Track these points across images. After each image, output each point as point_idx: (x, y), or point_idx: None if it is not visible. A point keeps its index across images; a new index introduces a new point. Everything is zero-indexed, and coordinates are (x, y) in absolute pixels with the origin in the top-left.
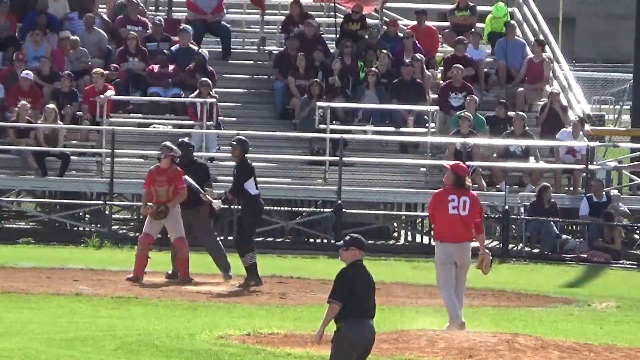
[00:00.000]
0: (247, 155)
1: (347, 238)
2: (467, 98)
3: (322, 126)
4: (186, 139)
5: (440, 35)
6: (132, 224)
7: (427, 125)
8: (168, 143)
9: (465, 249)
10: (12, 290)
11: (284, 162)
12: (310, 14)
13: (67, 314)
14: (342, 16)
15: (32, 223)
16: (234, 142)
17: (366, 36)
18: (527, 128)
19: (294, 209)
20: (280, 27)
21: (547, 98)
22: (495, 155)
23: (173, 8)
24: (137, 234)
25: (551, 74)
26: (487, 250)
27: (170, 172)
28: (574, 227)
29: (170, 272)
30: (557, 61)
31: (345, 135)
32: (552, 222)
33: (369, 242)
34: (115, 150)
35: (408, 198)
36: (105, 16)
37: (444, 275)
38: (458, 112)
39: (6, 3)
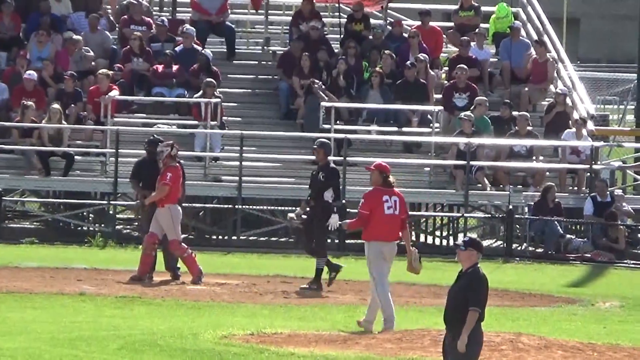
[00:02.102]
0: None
1: (466, 239)
2: (477, 100)
3: (327, 126)
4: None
5: (444, 36)
6: (136, 223)
7: (431, 125)
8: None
9: (394, 248)
10: (16, 290)
11: (288, 162)
12: (319, 12)
13: (70, 313)
14: (346, 17)
15: (36, 223)
16: (316, 146)
17: (370, 37)
18: (531, 128)
19: (297, 208)
20: (284, 27)
21: (553, 98)
22: (499, 155)
23: (177, 8)
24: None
25: (555, 74)
26: (413, 248)
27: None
28: (578, 226)
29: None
30: (562, 61)
31: (349, 135)
32: (556, 222)
33: None
34: (119, 150)
35: (412, 198)
36: (110, 16)
37: (381, 272)
38: (463, 113)
39: (10, 4)
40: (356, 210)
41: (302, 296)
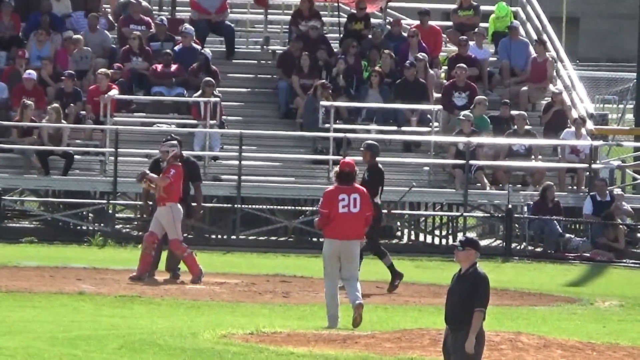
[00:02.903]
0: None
1: (462, 238)
2: (477, 99)
3: (326, 125)
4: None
5: (444, 35)
6: (136, 223)
7: (430, 124)
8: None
9: (353, 246)
10: (16, 289)
11: (288, 162)
12: (318, 12)
13: (70, 312)
14: (346, 16)
15: (35, 222)
16: (363, 148)
17: (370, 36)
18: (529, 127)
19: (297, 208)
20: (283, 26)
21: (551, 97)
22: (499, 155)
23: (177, 8)
24: (140, 233)
25: (555, 74)
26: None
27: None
28: (577, 226)
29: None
30: (561, 60)
31: (348, 135)
32: (555, 221)
33: None
34: (118, 150)
35: (411, 197)
36: (109, 16)
37: (329, 270)
38: (462, 113)
39: (9, 3)
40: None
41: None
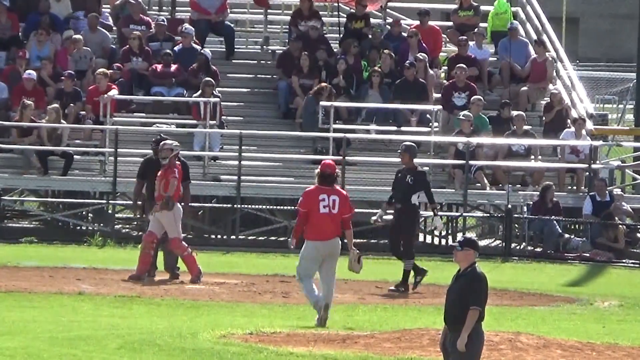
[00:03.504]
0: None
1: (461, 239)
2: (472, 99)
3: (326, 125)
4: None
5: (444, 35)
6: (135, 223)
7: (430, 124)
8: (169, 141)
9: (334, 245)
10: (15, 289)
11: (287, 162)
12: (318, 12)
13: (69, 312)
14: (345, 16)
15: (35, 222)
16: (402, 150)
17: (370, 36)
18: (529, 127)
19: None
20: (283, 26)
21: (549, 98)
22: (498, 155)
23: (176, 8)
24: (140, 233)
25: (554, 74)
26: (354, 248)
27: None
28: (577, 226)
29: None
30: (561, 60)
31: (348, 135)
32: (554, 221)
33: (372, 241)
34: (118, 150)
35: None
36: (109, 16)
37: (309, 272)
38: (461, 113)
39: (2, 3)
40: (357, 210)
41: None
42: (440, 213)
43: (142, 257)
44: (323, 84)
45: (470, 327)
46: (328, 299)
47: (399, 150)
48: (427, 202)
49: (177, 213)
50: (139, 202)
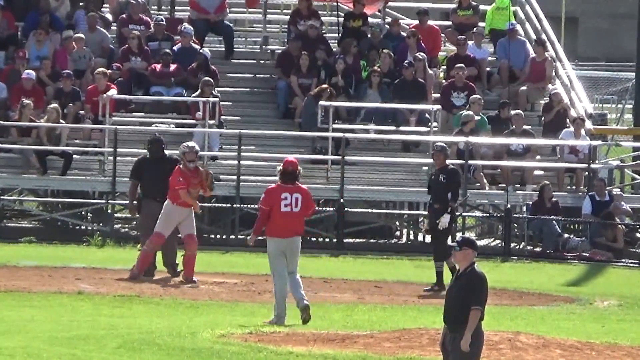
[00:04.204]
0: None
1: (459, 239)
2: (472, 99)
3: (325, 125)
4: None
5: (443, 35)
6: (135, 222)
7: (429, 124)
8: (191, 143)
9: (297, 241)
10: (15, 289)
11: None
12: (317, 11)
13: (69, 312)
14: (343, 14)
15: (34, 222)
16: (437, 150)
17: (369, 35)
18: (528, 126)
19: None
20: (282, 26)
21: (549, 97)
22: (497, 154)
23: (176, 7)
24: (139, 233)
25: (554, 73)
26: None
27: (201, 173)
28: (576, 225)
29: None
30: (560, 60)
31: (347, 134)
32: (554, 221)
33: (371, 240)
34: (117, 149)
35: (410, 197)
36: (108, 16)
37: (278, 266)
38: (463, 112)
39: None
40: (353, 209)
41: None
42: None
43: (144, 257)
44: (324, 86)
45: (473, 327)
46: (302, 296)
47: (433, 152)
48: (450, 198)
49: (175, 212)
50: (135, 202)
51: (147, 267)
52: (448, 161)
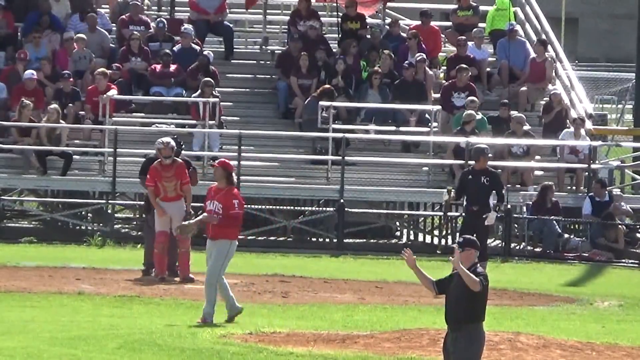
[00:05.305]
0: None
1: (461, 239)
2: (468, 99)
3: (325, 125)
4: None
5: (443, 35)
6: (135, 222)
7: (429, 124)
8: (166, 139)
9: (215, 244)
10: (15, 289)
11: (287, 162)
12: (317, 12)
13: (69, 312)
14: (341, 15)
15: (34, 222)
16: (478, 153)
17: (368, 36)
18: (528, 127)
19: (296, 208)
20: (282, 27)
21: (549, 98)
22: (500, 155)
23: (176, 8)
24: (139, 233)
25: (554, 74)
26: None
27: (176, 167)
28: (577, 226)
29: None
30: (560, 61)
31: (347, 135)
32: (554, 221)
33: (371, 241)
34: (117, 150)
35: (410, 197)
36: (107, 16)
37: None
38: (464, 112)
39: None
40: (353, 210)
41: (300, 296)
42: (437, 212)
43: (159, 258)
44: (327, 86)
45: (466, 274)
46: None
47: (474, 153)
48: (496, 199)
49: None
50: (148, 202)
51: (166, 266)
52: (448, 161)
